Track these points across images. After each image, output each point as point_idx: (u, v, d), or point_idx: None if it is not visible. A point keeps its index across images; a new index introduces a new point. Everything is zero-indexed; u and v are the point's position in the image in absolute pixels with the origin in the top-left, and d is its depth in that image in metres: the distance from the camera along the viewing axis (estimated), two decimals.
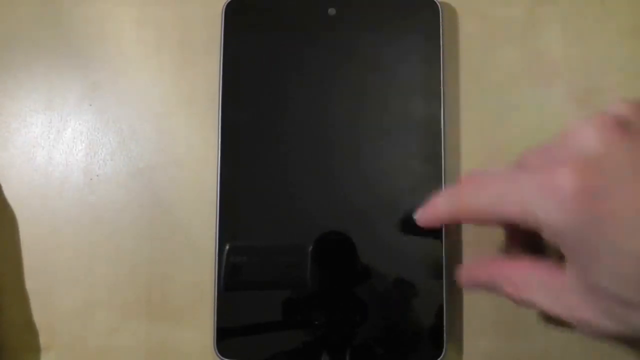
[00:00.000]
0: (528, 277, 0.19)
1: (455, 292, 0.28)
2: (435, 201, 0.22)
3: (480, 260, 0.22)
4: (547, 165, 0.18)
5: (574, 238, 0.17)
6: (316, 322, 0.26)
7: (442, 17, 0.28)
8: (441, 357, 0.26)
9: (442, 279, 0.26)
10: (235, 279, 0.27)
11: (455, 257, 0.28)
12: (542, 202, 0.17)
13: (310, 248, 0.27)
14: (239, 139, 0.27)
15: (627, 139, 0.17)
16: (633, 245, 0.16)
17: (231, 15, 0.28)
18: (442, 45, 0.28)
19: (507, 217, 0.18)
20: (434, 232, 0.27)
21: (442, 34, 0.28)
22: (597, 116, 0.18)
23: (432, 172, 0.27)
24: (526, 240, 0.22)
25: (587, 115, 0.29)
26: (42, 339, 0.28)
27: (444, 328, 0.26)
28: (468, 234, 0.28)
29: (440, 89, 0.27)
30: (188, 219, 0.28)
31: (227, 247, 0.27)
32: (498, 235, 0.23)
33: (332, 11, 0.28)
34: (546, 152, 0.19)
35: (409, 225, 0.26)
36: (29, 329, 0.28)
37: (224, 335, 0.27)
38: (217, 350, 0.26)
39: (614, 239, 0.16)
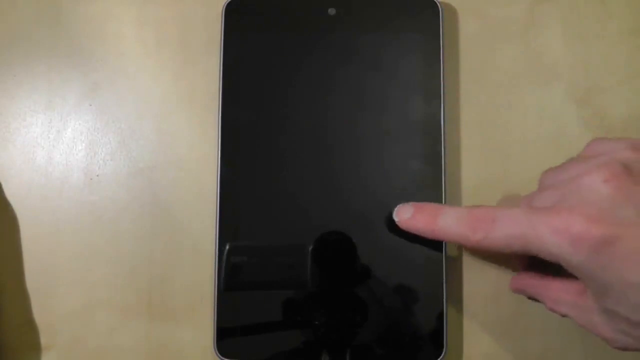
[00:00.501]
0: (560, 296, 0.23)
1: (456, 292, 0.28)
2: (441, 221, 0.24)
3: (525, 274, 0.25)
4: (561, 209, 0.20)
5: (590, 273, 0.20)
6: (316, 322, 0.26)
7: (442, 17, 0.28)
8: (442, 356, 0.26)
9: (442, 278, 0.26)
10: (235, 279, 0.27)
11: (455, 256, 0.28)
12: (560, 244, 0.20)
13: (310, 248, 0.27)
14: (239, 139, 0.27)
15: (632, 183, 0.20)
16: (638, 278, 0.19)
17: (231, 15, 0.28)
18: (442, 45, 0.28)
19: (524, 252, 0.21)
20: None
21: (442, 34, 0.28)
22: (605, 165, 0.20)
23: (432, 172, 0.27)
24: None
25: (587, 115, 0.29)
26: (43, 339, 0.28)
27: (445, 328, 0.26)
28: None
29: (440, 89, 0.27)
30: (188, 219, 0.28)
31: (227, 247, 0.27)
32: None
33: (332, 11, 0.28)
34: (558, 191, 0.21)
35: None
36: (30, 329, 0.28)
37: (224, 335, 0.27)
38: (217, 350, 0.26)
39: (622, 274, 0.19)
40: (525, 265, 0.26)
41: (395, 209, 0.26)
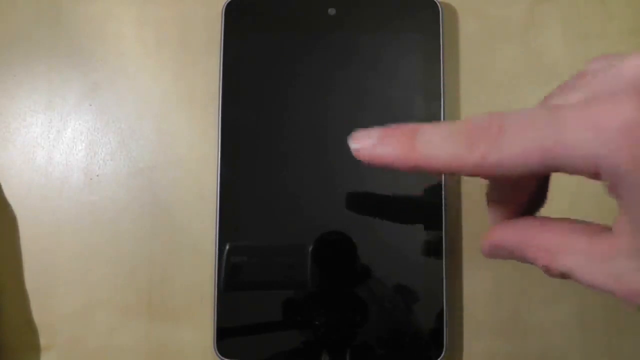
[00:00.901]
0: (566, 242, 0.16)
1: (456, 292, 0.28)
2: (421, 141, 0.17)
3: (506, 224, 0.18)
4: (599, 98, 0.14)
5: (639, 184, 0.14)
6: (316, 322, 0.26)
7: (442, 17, 0.28)
8: (441, 356, 0.26)
9: (442, 278, 0.26)
10: (235, 279, 0.27)
11: (455, 255, 0.28)
12: (600, 141, 0.14)
13: (310, 248, 0.27)
14: (239, 139, 0.27)
15: None
16: None
17: (231, 15, 0.28)
18: (442, 45, 0.28)
19: (544, 170, 0.15)
20: (434, 231, 0.27)
21: (442, 34, 0.28)
22: None
23: None
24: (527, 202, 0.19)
25: None
26: (42, 339, 0.28)
27: (444, 328, 0.26)
28: (469, 233, 0.28)
29: (440, 89, 0.27)
30: (188, 219, 0.28)
31: (227, 247, 0.27)
32: None
33: (332, 11, 0.28)
34: (589, 85, 0.16)
35: (408, 225, 0.26)
36: (29, 329, 0.28)
37: (224, 335, 0.27)
38: (217, 350, 0.26)
39: None
40: (512, 213, 0.19)
41: (351, 134, 0.18)
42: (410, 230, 0.27)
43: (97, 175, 0.29)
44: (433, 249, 0.26)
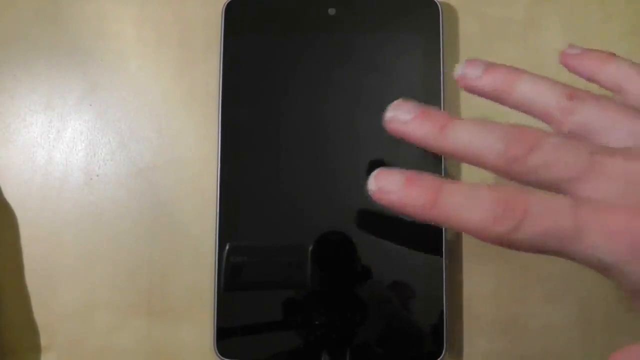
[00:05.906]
0: None
1: (456, 292, 0.28)
2: (447, 203, 0.17)
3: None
4: (619, 206, 0.15)
5: None
6: (316, 322, 0.26)
7: (442, 17, 0.28)
8: (441, 357, 0.26)
9: (442, 278, 0.26)
10: (235, 279, 0.27)
11: (455, 255, 0.28)
12: (614, 250, 0.15)
13: (310, 248, 0.27)
14: (239, 139, 0.27)
15: None
16: None
17: (231, 15, 0.28)
18: (442, 45, 0.28)
19: (557, 255, 0.16)
20: (434, 231, 0.27)
21: (442, 34, 0.28)
22: None
23: (432, 172, 0.27)
24: None
25: None
26: (42, 339, 0.28)
27: (444, 328, 0.26)
28: None
29: (440, 89, 0.27)
30: (188, 219, 0.28)
31: (227, 247, 0.27)
32: None
33: (332, 11, 0.28)
34: (616, 186, 0.16)
35: (408, 224, 0.26)
36: (29, 329, 0.28)
37: (224, 335, 0.27)
38: (217, 350, 0.26)
39: None
40: None
41: (373, 173, 0.19)
42: (410, 229, 0.27)
43: (97, 175, 0.29)
44: (433, 249, 0.26)
